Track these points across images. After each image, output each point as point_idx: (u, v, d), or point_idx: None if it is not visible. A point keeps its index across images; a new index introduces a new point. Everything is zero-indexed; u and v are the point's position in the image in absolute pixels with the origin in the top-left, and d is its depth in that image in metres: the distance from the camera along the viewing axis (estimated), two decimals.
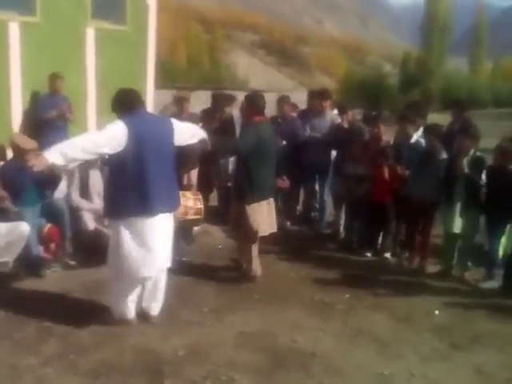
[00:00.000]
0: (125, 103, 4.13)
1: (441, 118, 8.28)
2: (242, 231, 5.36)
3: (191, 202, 5.33)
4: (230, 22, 50.28)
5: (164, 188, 4.17)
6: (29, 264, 5.16)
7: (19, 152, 5.14)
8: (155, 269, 4.25)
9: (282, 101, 7.40)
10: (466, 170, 5.66)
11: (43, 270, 5.24)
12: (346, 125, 7.05)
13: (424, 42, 38.31)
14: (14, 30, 7.11)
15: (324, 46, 53.99)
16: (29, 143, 5.27)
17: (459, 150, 5.88)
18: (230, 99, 7.73)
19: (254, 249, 5.43)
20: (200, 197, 5.43)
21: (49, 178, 5.20)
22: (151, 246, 4.15)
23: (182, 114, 6.87)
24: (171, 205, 4.35)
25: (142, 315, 4.46)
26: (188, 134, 4.59)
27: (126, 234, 4.10)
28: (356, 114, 7.49)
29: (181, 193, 5.16)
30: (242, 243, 5.53)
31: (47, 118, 7.04)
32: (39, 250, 5.30)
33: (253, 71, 38.79)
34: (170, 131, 4.31)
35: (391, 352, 4.29)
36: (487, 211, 5.76)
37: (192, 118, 6.98)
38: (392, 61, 45.59)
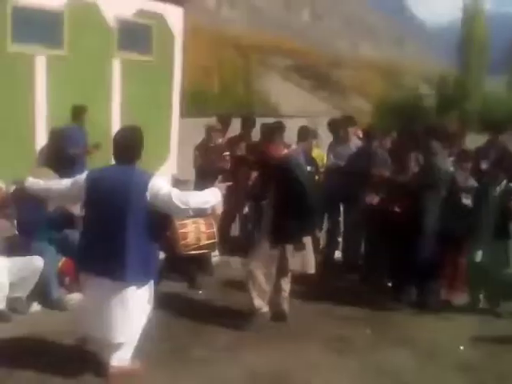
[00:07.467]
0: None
1: (479, 139, 8.08)
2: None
3: (203, 227, 5.27)
4: (265, 47, 50.61)
5: (101, 249, 3.73)
6: (47, 305, 5.05)
7: None
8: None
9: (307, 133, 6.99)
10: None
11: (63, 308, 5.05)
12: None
13: (462, 62, 37.64)
14: (41, 63, 7.22)
15: (359, 68, 53.82)
16: None
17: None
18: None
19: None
20: (212, 221, 5.33)
21: (63, 217, 5.22)
22: (93, 308, 3.88)
23: (209, 145, 6.91)
24: (109, 270, 3.71)
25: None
26: (166, 203, 3.72)
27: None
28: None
29: (192, 220, 5.11)
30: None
31: (77, 154, 7.08)
32: (59, 291, 5.18)
33: (285, 95, 38.85)
34: (131, 186, 3.72)
35: None
36: None
37: (219, 149, 6.94)
38: (429, 82, 44.96)
